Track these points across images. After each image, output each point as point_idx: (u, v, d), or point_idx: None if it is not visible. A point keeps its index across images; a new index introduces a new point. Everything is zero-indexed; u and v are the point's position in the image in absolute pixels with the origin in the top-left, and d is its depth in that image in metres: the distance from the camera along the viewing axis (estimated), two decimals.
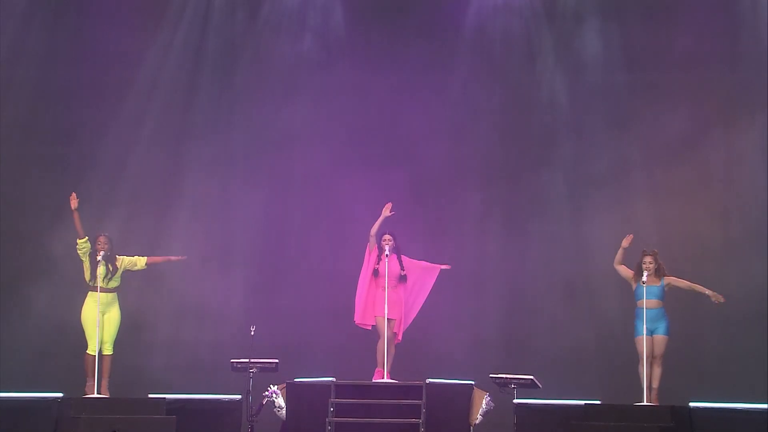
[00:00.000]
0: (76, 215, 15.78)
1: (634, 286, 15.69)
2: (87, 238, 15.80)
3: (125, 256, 16.00)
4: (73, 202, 15.79)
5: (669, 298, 15.70)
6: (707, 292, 15.60)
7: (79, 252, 15.84)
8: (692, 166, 17.80)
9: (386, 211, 16.03)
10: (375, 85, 18.14)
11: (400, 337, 16.04)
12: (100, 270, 15.66)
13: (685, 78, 17.84)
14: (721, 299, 15.61)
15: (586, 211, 17.92)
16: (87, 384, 15.66)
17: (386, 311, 15.67)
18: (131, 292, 16.66)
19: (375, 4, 18.53)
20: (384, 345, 15.74)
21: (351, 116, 18.21)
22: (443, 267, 16.27)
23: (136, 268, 16.03)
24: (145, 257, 16.12)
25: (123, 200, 17.85)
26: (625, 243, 15.80)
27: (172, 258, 16.55)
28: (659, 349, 15.50)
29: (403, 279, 15.98)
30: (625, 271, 15.78)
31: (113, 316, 15.80)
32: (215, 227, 18.22)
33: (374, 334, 16.03)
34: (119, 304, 15.92)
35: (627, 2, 18.10)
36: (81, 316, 15.80)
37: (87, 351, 15.71)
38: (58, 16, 18.23)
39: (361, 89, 18.17)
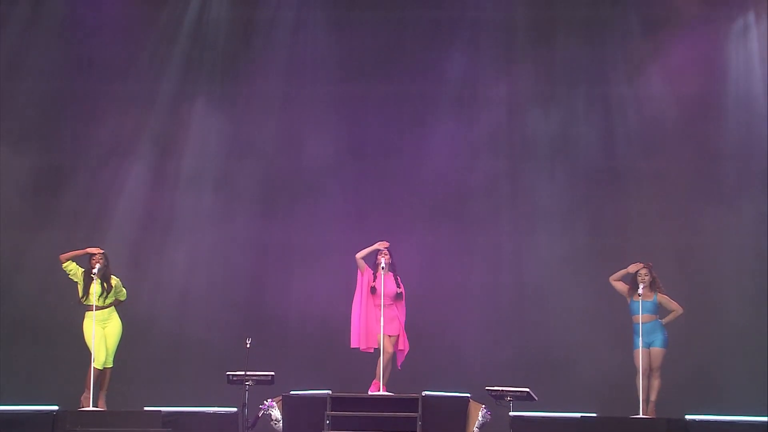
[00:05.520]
0: (79, 253, 15.60)
1: (628, 300, 15.67)
2: (70, 261, 15.57)
3: (119, 281, 15.72)
4: (93, 251, 15.58)
5: (663, 310, 15.70)
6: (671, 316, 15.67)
7: (70, 276, 15.68)
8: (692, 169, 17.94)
9: (379, 245, 15.85)
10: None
11: (399, 365, 15.91)
12: (96, 288, 15.49)
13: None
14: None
15: (583, 223, 17.97)
16: (83, 395, 15.55)
17: (382, 327, 15.62)
18: (128, 305, 16.59)
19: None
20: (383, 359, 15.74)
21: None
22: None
23: (120, 297, 15.80)
24: (123, 290, 15.76)
25: (116, 214, 17.80)
26: (631, 269, 15.70)
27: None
28: (656, 361, 15.46)
29: (399, 297, 15.86)
30: (621, 286, 15.74)
31: (113, 328, 15.56)
32: (209, 239, 18.23)
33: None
34: (119, 315, 15.74)
35: None
36: (83, 334, 15.67)
37: (93, 364, 15.53)
38: (53, 28, 18.26)
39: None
